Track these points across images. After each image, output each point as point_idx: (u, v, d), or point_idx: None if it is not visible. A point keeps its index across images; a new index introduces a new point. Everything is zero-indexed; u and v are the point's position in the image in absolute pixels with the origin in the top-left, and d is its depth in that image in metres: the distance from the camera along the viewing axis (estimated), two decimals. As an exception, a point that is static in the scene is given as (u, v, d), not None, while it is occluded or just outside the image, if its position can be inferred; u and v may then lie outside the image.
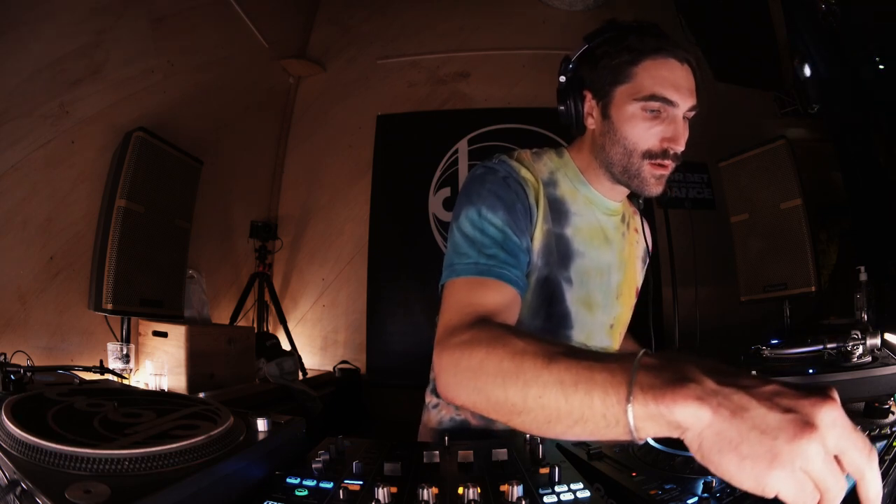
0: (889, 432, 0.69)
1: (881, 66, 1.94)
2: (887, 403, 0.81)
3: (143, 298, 2.02)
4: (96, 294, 1.90)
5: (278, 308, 3.06)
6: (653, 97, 0.83)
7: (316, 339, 3.28)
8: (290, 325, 3.12)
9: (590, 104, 0.91)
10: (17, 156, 1.75)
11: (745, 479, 0.40)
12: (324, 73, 3.41)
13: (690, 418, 0.42)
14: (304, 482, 0.59)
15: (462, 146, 3.17)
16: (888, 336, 1.00)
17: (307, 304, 3.31)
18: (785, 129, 2.64)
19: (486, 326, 0.69)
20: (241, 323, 2.90)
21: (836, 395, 0.41)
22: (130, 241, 1.97)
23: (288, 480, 0.60)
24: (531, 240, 0.88)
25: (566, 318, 0.93)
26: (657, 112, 0.85)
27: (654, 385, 0.44)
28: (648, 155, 0.86)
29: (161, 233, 2.14)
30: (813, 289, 2.30)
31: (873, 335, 0.92)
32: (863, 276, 1.36)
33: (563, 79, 0.94)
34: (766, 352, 1.07)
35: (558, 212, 0.92)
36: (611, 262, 0.98)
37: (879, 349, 0.92)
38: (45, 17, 1.77)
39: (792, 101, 2.80)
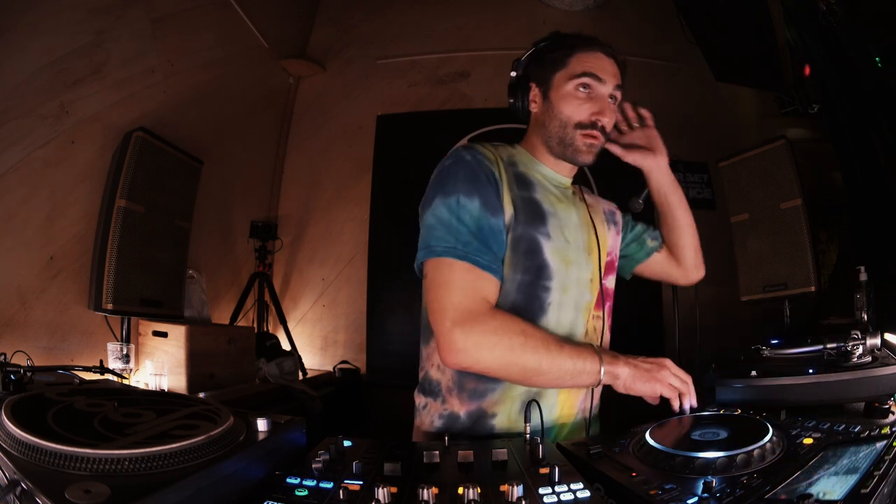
0: (889, 432, 0.68)
1: (881, 66, 1.94)
2: (887, 403, 0.81)
3: (143, 298, 2.02)
4: (96, 294, 1.90)
5: (278, 308, 3.06)
6: (583, 74, 1.01)
7: (316, 339, 3.28)
8: (290, 325, 3.12)
9: (534, 92, 1.09)
10: (17, 156, 1.75)
11: (645, 389, 0.90)
12: (324, 73, 3.41)
13: (622, 373, 0.90)
14: (304, 482, 0.59)
15: (462, 146, 3.17)
16: (888, 336, 1.00)
17: (307, 304, 3.31)
18: (785, 129, 2.64)
19: (508, 316, 0.91)
20: (241, 323, 2.90)
21: (668, 361, 0.92)
22: (130, 241, 1.97)
23: (288, 480, 0.60)
24: (503, 205, 0.97)
25: (544, 270, 0.99)
26: (588, 89, 1.02)
27: (608, 360, 0.91)
28: (580, 126, 1.02)
29: (161, 233, 2.14)
30: (813, 289, 2.29)
31: (873, 335, 0.92)
32: (863, 276, 1.35)
33: (513, 74, 1.11)
34: (765, 352, 1.07)
35: (523, 182, 1.03)
36: (577, 222, 1.07)
37: (879, 349, 0.92)
38: (45, 17, 1.77)
39: (792, 101, 2.80)
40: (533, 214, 0.99)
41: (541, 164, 1.09)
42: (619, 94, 1.05)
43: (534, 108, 1.09)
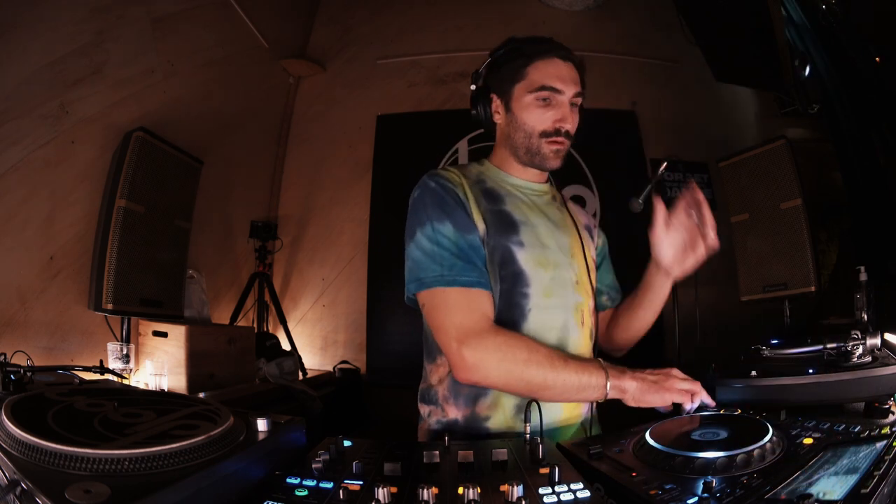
0: (889, 432, 0.68)
1: (881, 67, 1.94)
2: (887, 403, 0.81)
3: (143, 298, 2.02)
4: (96, 294, 1.90)
5: (278, 308, 3.06)
6: (542, 87, 1.03)
7: (316, 339, 3.28)
8: (290, 325, 3.12)
9: (496, 103, 1.11)
10: (17, 156, 1.75)
11: (655, 400, 0.90)
12: (324, 73, 3.41)
13: (630, 387, 0.91)
14: (304, 482, 0.59)
15: (462, 146, 3.17)
16: (888, 336, 1.00)
17: (307, 304, 3.31)
18: (785, 129, 2.64)
19: (513, 334, 0.95)
20: (241, 323, 2.90)
21: (675, 370, 0.94)
22: (130, 241, 1.97)
23: (288, 480, 0.60)
24: (474, 222, 0.99)
25: (520, 277, 1.00)
26: (548, 100, 1.03)
27: (614, 374, 0.92)
28: (544, 134, 1.05)
29: (161, 233, 2.14)
30: (813, 289, 2.29)
31: (873, 335, 0.92)
32: (863, 276, 1.35)
33: (473, 87, 1.14)
34: (765, 352, 1.07)
35: (492, 197, 1.05)
36: (555, 226, 1.09)
37: (879, 349, 0.92)
38: (45, 17, 1.77)
39: (792, 101, 2.79)
40: (504, 225, 1.02)
41: (510, 176, 1.11)
42: (578, 100, 1.07)
43: (497, 119, 1.12)
